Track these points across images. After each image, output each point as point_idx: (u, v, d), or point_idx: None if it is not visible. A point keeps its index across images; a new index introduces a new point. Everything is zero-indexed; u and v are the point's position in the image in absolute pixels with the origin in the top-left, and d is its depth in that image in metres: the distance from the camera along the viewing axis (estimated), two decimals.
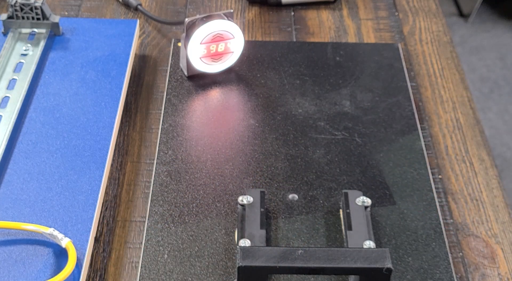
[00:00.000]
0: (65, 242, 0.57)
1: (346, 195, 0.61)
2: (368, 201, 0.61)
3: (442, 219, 0.63)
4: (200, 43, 0.72)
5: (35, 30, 0.79)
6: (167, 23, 0.85)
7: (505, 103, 1.83)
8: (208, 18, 0.72)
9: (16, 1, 0.77)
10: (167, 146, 0.68)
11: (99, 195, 0.62)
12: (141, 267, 0.58)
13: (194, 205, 0.63)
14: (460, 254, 0.61)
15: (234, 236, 0.60)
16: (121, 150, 0.70)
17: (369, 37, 0.85)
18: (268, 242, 0.59)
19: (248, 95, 0.74)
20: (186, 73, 0.76)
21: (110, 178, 0.66)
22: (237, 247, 0.53)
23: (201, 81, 0.75)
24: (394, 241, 0.60)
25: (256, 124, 0.71)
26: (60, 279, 0.54)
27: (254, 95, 0.74)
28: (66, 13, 0.87)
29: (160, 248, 0.59)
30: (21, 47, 0.77)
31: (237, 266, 0.50)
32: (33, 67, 0.74)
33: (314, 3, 0.90)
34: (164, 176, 0.65)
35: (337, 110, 0.73)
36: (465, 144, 0.71)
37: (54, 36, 0.79)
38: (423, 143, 0.70)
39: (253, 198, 0.61)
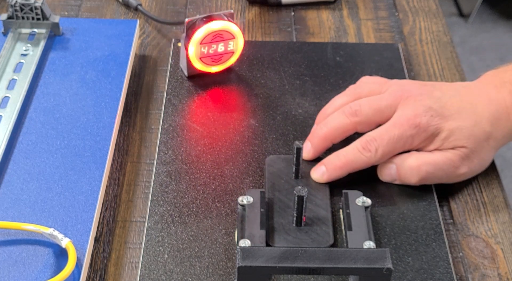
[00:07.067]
0: (65, 242, 0.57)
1: (346, 195, 0.61)
2: (368, 201, 0.61)
3: (442, 219, 0.63)
4: (200, 43, 0.72)
5: (35, 30, 0.79)
6: (167, 23, 0.85)
7: None
8: (208, 18, 0.72)
9: (16, 1, 0.77)
10: (167, 146, 0.68)
11: (99, 195, 0.62)
12: (141, 267, 0.58)
13: (194, 205, 0.63)
14: (460, 254, 0.61)
15: (234, 236, 0.60)
16: (121, 150, 0.70)
17: (369, 37, 0.85)
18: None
19: (248, 95, 0.74)
20: (186, 73, 0.76)
21: (110, 178, 0.66)
22: (237, 247, 0.53)
23: (201, 81, 0.75)
24: (394, 241, 0.60)
25: (256, 124, 0.71)
26: (60, 279, 0.54)
27: (254, 95, 0.74)
28: (66, 13, 0.87)
29: (160, 248, 0.59)
30: (21, 47, 0.77)
31: (237, 266, 0.50)
32: (33, 67, 0.74)
33: (314, 3, 0.90)
34: (164, 176, 0.65)
35: None
36: None
37: (54, 36, 0.79)
38: None
39: (253, 198, 0.61)
